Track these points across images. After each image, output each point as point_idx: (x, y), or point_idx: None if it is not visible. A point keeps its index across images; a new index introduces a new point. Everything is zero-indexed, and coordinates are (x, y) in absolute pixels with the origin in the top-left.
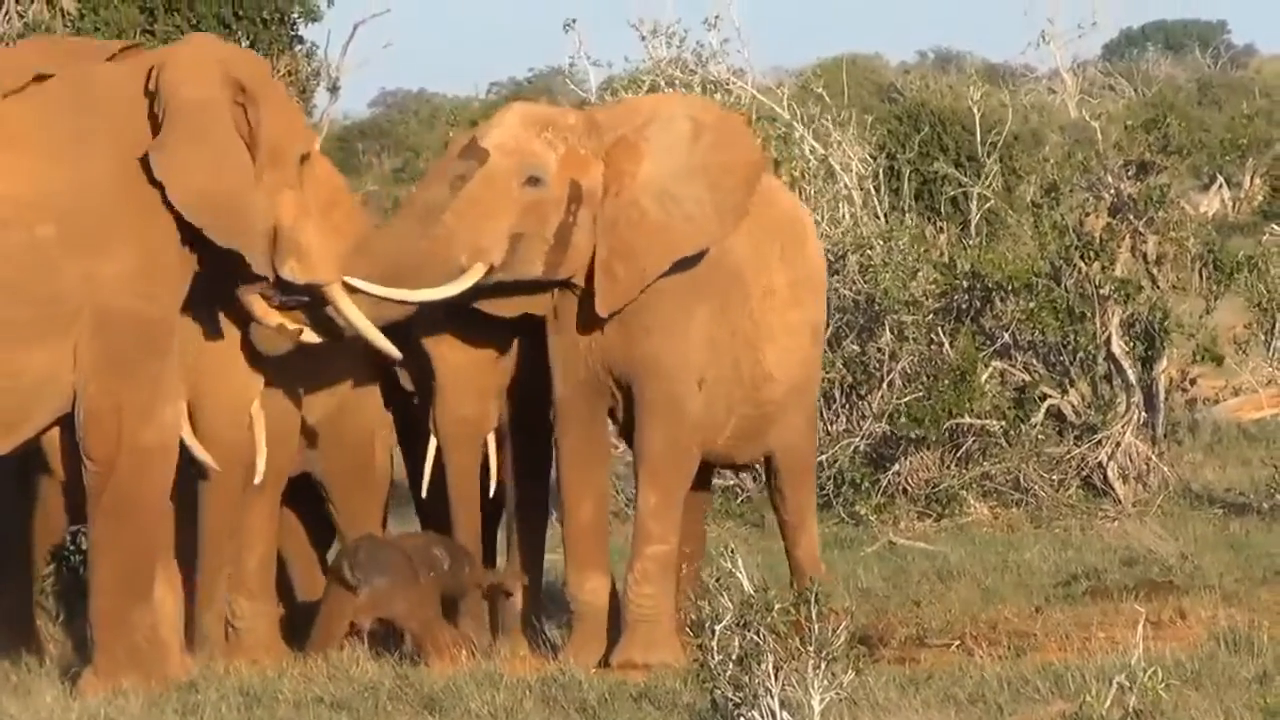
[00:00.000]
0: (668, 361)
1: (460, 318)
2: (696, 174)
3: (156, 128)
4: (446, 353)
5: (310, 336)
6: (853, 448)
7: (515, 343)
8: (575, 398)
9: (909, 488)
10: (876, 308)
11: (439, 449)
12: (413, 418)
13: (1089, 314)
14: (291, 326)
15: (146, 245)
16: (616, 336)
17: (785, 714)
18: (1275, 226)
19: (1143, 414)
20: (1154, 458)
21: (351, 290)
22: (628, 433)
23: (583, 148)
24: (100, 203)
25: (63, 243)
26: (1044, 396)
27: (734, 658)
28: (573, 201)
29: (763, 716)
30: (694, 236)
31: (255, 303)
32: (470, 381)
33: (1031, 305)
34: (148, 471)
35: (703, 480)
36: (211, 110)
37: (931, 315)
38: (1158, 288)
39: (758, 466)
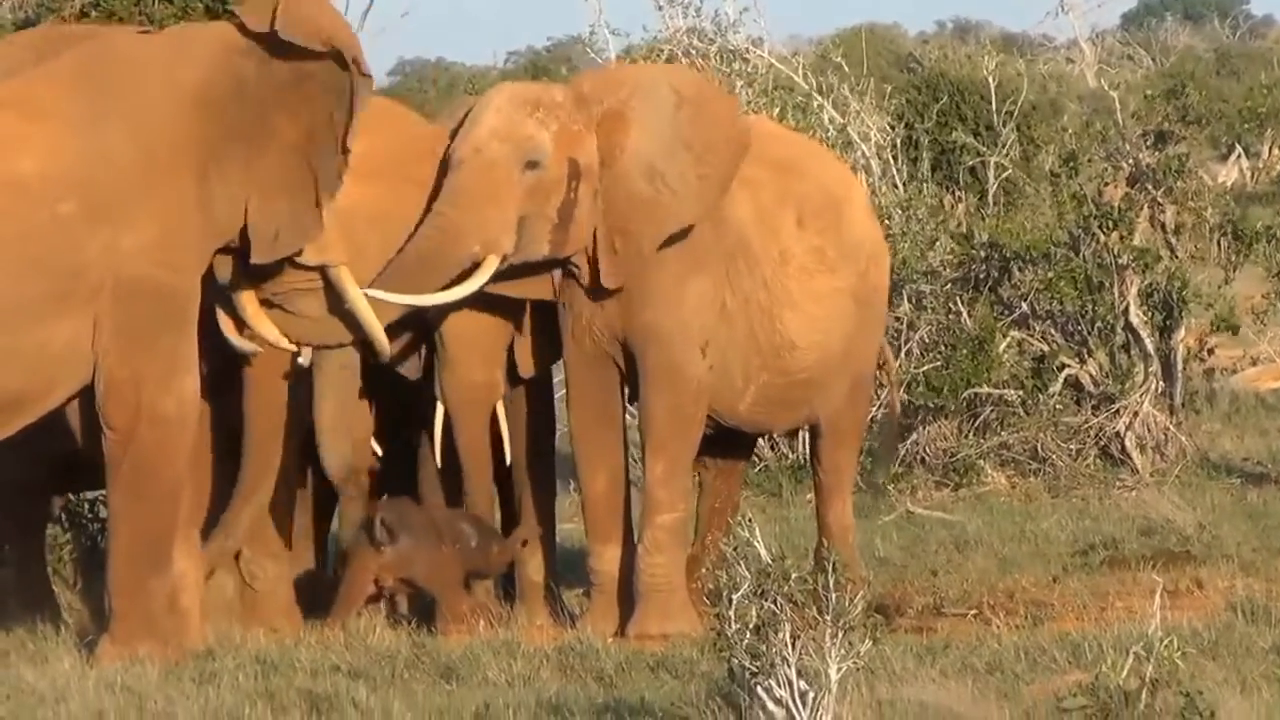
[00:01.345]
0: (666, 328)
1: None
2: (680, 149)
3: (177, 97)
4: (452, 321)
5: (295, 351)
6: (870, 417)
7: (518, 308)
8: (584, 371)
9: (927, 457)
10: (895, 277)
11: (447, 417)
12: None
13: (1107, 283)
14: (277, 337)
15: (166, 215)
16: (616, 306)
17: (802, 683)
18: None
19: (1161, 384)
20: (1172, 427)
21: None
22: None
23: (574, 123)
24: (120, 174)
25: (85, 217)
26: (1062, 366)
27: (751, 627)
28: (572, 179)
29: (780, 685)
30: (679, 214)
31: (248, 303)
32: (478, 348)
33: (1049, 275)
34: (167, 441)
35: (739, 449)
36: None
37: (949, 285)
38: (1176, 257)
39: (778, 436)
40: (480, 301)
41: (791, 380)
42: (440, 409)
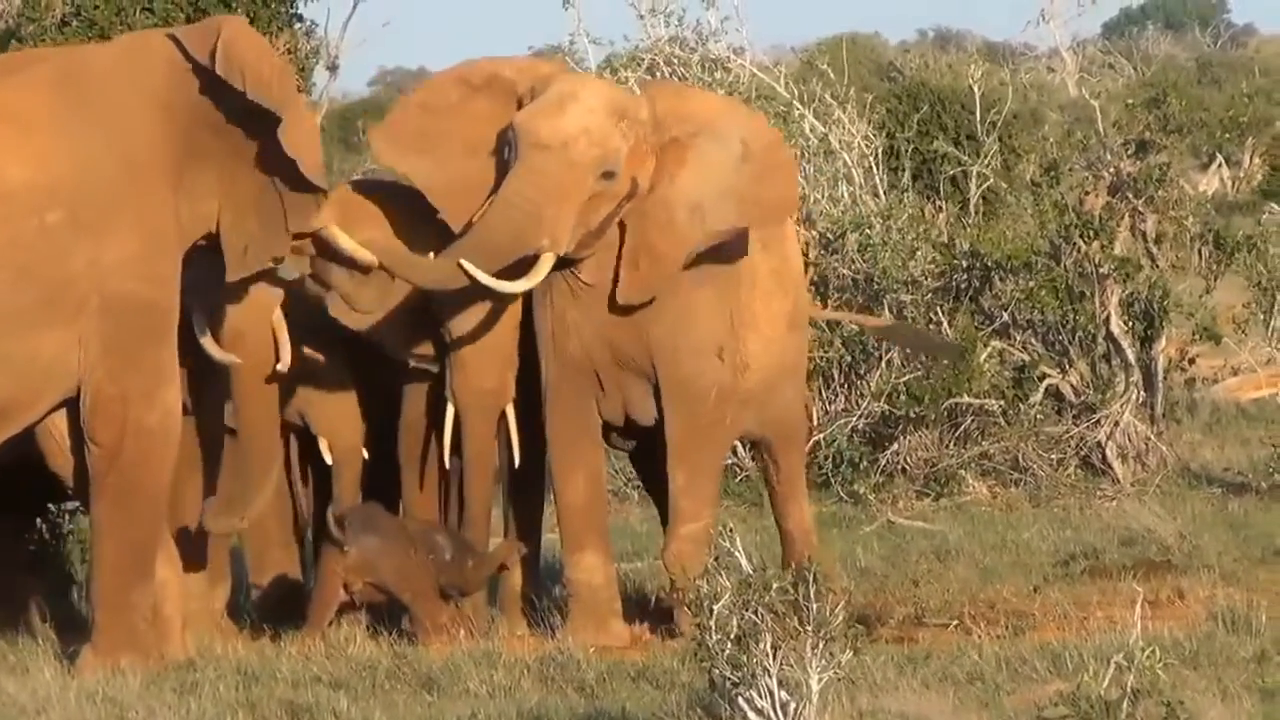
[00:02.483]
0: (673, 342)
1: (477, 289)
2: (730, 199)
3: (148, 106)
4: (466, 323)
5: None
6: (851, 427)
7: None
8: (564, 376)
9: (907, 467)
10: (875, 287)
11: (457, 418)
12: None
13: (1088, 293)
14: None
15: (147, 228)
16: (624, 322)
17: (783, 693)
18: (1274, 205)
19: (1141, 393)
20: (1153, 437)
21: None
22: (631, 417)
23: (644, 143)
24: (102, 186)
25: (72, 227)
26: (1043, 376)
27: (732, 637)
28: (627, 197)
29: (761, 696)
30: (698, 244)
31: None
32: (491, 352)
33: (1030, 284)
34: (151, 455)
35: None
36: None
37: (930, 294)
38: (1157, 267)
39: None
40: (494, 306)
41: (738, 400)
42: (450, 410)
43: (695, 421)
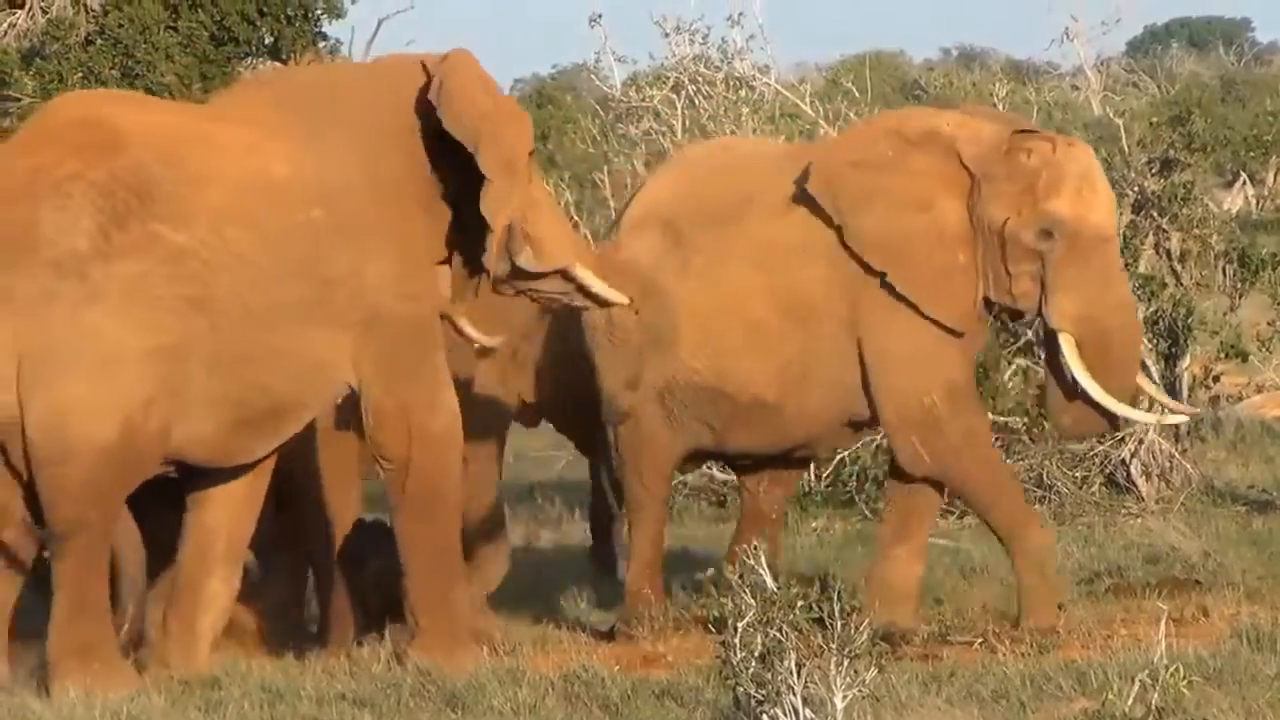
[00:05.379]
0: None
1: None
2: None
3: (407, 130)
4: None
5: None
6: (875, 444)
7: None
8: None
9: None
10: None
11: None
12: None
13: None
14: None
15: (402, 247)
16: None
17: (808, 711)
18: None
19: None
20: (1177, 455)
21: None
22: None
23: None
24: (355, 202)
25: (334, 228)
26: None
27: (757, 655)
28: None
29: (785, 714)
30: None
31: (462, 322)
32: None
33: None
34: (443, 460)
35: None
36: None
37: None
38: (1181, 285)
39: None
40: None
41: None
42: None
43: None
